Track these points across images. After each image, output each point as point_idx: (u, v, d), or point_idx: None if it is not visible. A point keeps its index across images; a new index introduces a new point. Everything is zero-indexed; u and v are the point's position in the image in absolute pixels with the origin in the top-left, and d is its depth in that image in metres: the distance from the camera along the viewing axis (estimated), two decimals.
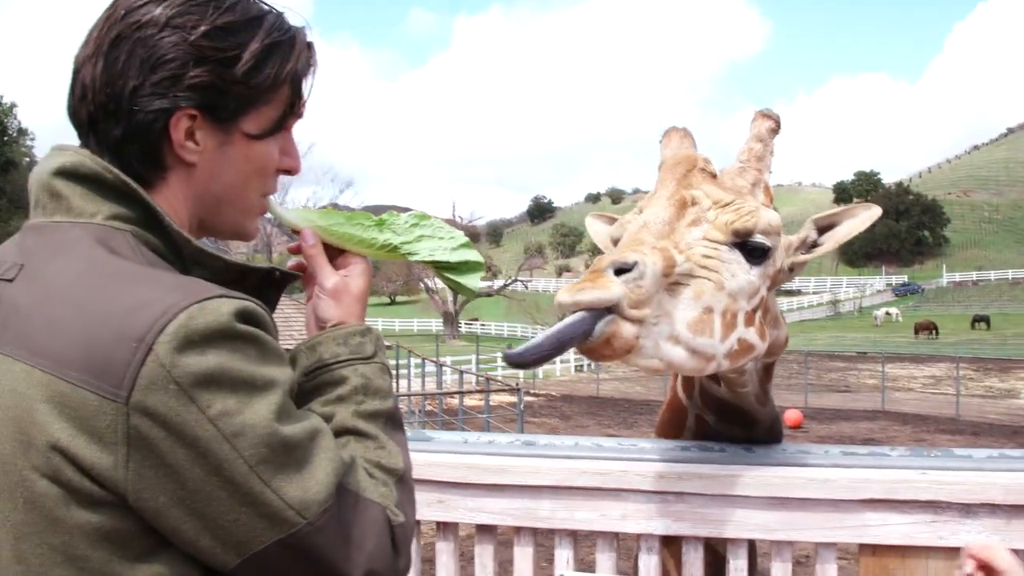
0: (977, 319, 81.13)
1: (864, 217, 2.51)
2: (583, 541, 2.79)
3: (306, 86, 1.61)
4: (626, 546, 2.84)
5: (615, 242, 2.44)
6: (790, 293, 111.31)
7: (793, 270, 2.53)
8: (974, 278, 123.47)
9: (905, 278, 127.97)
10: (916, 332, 73.11)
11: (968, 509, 2.48)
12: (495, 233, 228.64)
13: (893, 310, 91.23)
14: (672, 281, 2.10)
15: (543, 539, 2.80)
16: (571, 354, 50.97)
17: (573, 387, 42.02)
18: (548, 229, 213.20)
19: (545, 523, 2.72)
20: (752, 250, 2.26)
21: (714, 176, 2.35)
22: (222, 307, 1.30)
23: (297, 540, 1.32)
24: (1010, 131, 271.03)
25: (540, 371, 46.65)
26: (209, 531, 1.29)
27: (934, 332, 73.16)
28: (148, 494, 1.26)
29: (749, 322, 2.28)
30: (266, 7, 1.57)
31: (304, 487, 1.33)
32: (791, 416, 26.79)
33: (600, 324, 1.94)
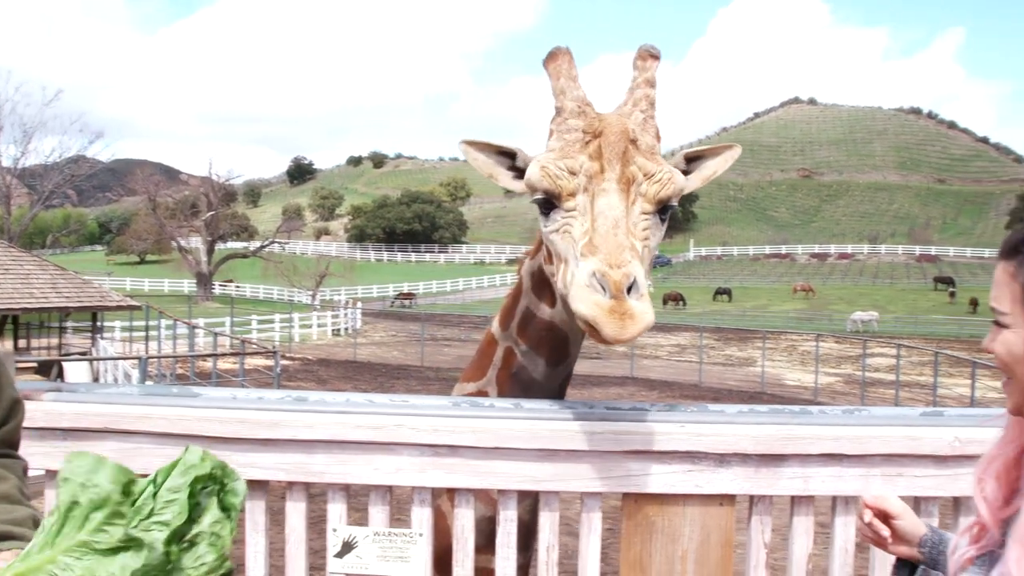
0: (720, 291, 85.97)
1: (726, 156, 2.79)
2: (356, 495, 2.79)
3: None
4: (399, 500, 2.87)
5: (549, 194, 2.51)
6: None
7: None
8: (719, 253, 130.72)
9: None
10: (664, 302, 76.59)
11: (722, 459, 2.65)
12: (253, 193, 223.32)
13: None
14: None
15: (317, 496, 2.79)
16: (328, 318, 50.56)
17: (330, 351, 41.69)
18: (308, 191, 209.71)
19: (318, 477, 2.71)
20: (664, 210, 2.54)
21: (636, 142, 2.53)
22: None
23: None
24: (756, 115, 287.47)
25: (296, 335, 46.05)
26: None
27: (681, 303, 76.94)
28: None
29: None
30: None
31: None
32: None
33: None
